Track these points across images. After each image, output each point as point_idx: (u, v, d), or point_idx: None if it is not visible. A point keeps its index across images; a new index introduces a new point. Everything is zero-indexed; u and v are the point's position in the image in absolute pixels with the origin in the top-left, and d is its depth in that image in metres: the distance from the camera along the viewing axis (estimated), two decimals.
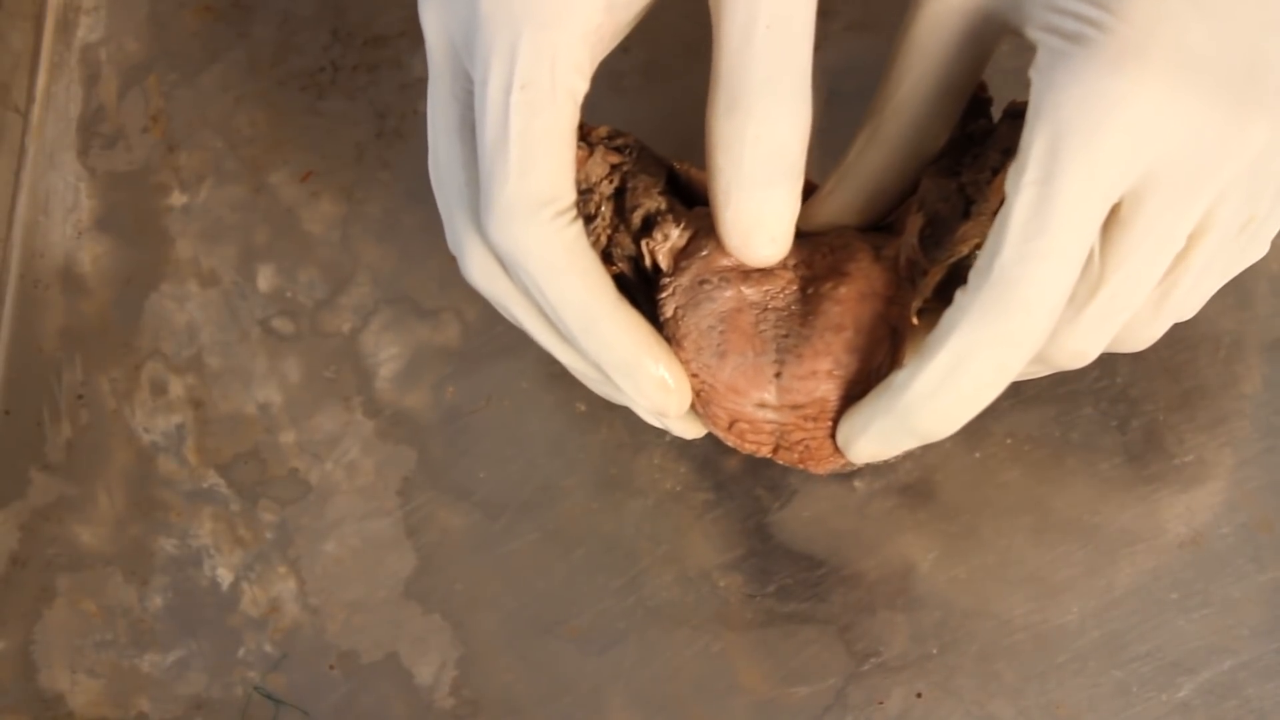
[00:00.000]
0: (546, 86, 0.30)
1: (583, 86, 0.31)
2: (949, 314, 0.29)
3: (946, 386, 0.30)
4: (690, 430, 0.35)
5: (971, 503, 0.39)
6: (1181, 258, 0.30)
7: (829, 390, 0.32)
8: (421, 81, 0.47)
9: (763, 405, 0.33)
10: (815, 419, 0.33)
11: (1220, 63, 0.28)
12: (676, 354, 0.33)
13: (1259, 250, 0.32)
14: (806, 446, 0.33)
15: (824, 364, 0.32)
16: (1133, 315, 0.31)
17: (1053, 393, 0.39)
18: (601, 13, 0.31)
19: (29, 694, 0.43)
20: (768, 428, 0.33)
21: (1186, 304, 0.31)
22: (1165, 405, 0.39)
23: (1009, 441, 0.39)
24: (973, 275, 0.29)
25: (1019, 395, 0.39)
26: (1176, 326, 0.33)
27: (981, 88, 0.34)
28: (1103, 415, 0.39)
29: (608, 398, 0.36)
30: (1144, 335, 0.32)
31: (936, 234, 0.32)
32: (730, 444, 0.34)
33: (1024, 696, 0.37)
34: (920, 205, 0.33)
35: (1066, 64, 0.28)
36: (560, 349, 0.35)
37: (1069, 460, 0.39)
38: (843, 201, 0.34)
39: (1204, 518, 0.38)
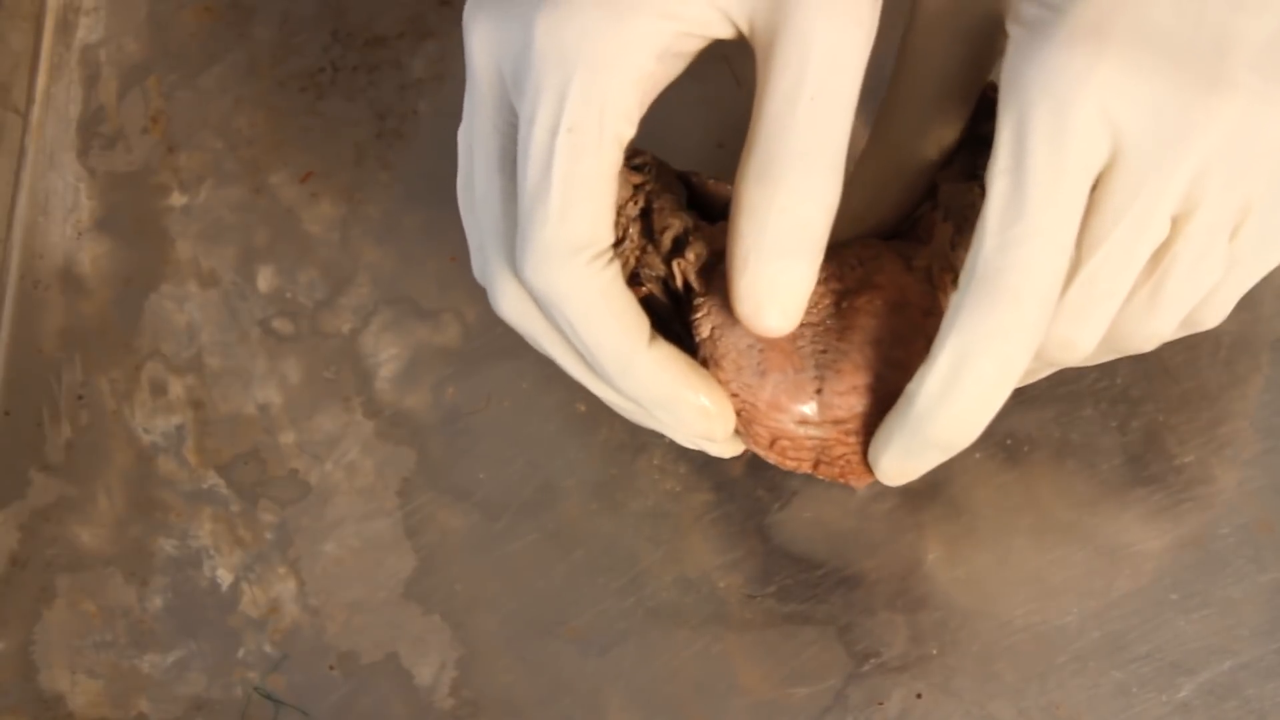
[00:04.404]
0: (594, 131, 0.30)
1: (629, 132, 0.31)
2: (945, 317, 0.29)
3: (953, 390, 0.29)
4: (730, 450, 0.35)
5: (971, 503, 0.39)
6: (1168, 245, 0.30)
7: (870, 405, 0.32)
8: (421, 82, 0.47)
9: (804, 422, 0.33)
10: (856, 433, 0.32)
11: (1185, 39, 0.28)
12: (715, 374, 0.33)
13: (1276, 248, 0.31)
14: (848, 461, 0.33)
15: (864, 379, 0.32)
16: (1127, 308, 0.30)
17: (1053, 393, 0.39)
18: (654, 61, 0.31)
19: (29, 694, 0.43)
20: (809, 444, 0.33)
21: (1182, 296, 0.31)
22: (1165, 406, 0.39)
23: (1009, 442, 0.39)
24: (961, 274, 0.29)
25: (1019, 396, 0.39)
26: None
27: (991, 88, 0.34)
28: (1102, 416, 0.39)
29: (644, 425, 0.35)
30: (1144, 332, 0.31)
31: (966, 240, 0.32)
32: (771, 461, 0.34)
33: (1024, 697, 0.37)
34: (946, 213, 0.33)
35: (1027, 50, 0.28)
36: (595, 385, 0.34)
37: (1069, 461, 0.39)
38: (852, 209, 0.33)
39: (1204, 518, 0.38)
